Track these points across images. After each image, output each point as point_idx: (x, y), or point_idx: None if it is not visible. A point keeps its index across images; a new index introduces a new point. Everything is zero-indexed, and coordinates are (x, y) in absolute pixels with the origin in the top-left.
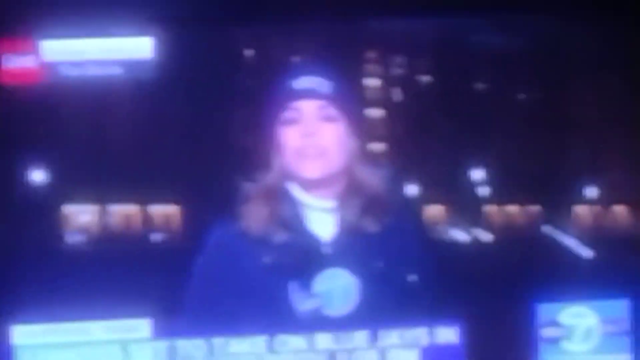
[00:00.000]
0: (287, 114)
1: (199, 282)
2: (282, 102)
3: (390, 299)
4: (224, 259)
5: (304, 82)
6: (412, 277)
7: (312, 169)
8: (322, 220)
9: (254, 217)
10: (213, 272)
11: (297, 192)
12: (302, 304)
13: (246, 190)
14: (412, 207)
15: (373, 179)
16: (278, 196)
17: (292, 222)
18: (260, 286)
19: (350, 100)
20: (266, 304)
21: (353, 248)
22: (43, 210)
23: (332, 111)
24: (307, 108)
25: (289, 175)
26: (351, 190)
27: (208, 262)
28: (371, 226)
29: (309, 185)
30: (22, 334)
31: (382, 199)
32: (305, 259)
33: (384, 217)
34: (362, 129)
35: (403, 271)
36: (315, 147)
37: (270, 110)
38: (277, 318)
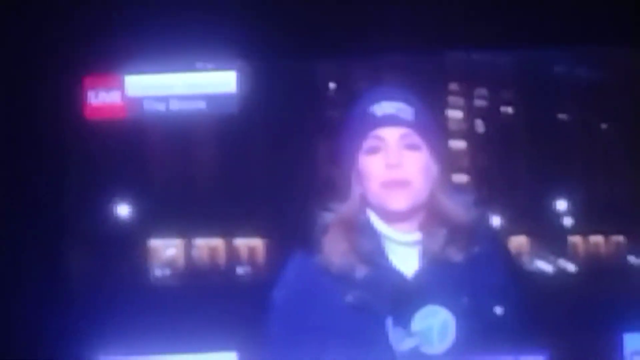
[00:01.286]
0: (369, 143)
1: (280, 315)
2: (364, 130)
3: (479, 332)
4: (303, 292)
5: (385, 108)
6: (499, 309)
7: (397, 201)
8: (405, 254)
9: (333, 249)
10: (294, 306)
11: (378, 224)
12: (400, 343)
13: (325, 221)
14: (496, 236)
15: (456, 209)
16: (358, 228)
17: (374, 256)
18: (348, 322)
19: (433, 126)
20: (358, 340)
21: (439, 281)
22: (129, 244)
23: (416, 139)
24: (390, 136)
25: (371, 205)
26: (434, 221)
27: (287, 295)
28: (455, 257)
29: (392, 217)
30: None
31: (466, 228)
32: (392, 294)
33: (468, 247)
34: (446, 157)
35: (490, 303)
36: (400, 178)
37: (351, 138)
38: (372, 352)
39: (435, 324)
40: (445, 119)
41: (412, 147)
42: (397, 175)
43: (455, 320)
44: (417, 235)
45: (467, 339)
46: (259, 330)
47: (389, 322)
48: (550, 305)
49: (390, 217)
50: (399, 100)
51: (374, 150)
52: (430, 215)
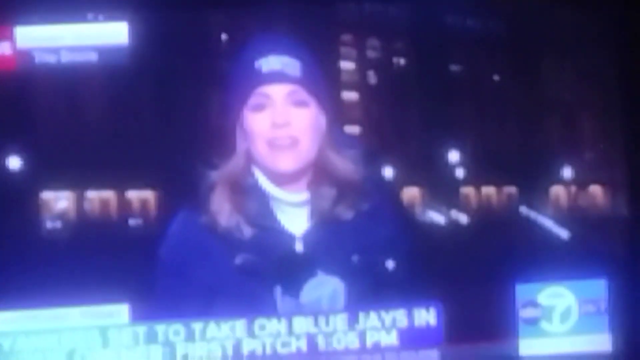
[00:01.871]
0: (255, 99)
1: (169, 270)
2: (250, 86)
3: (373, 289)
4: (190, 249)
5: (271, 63)
6: (390, 262)
7: (285, 162)
8: (294, 214)
9: (219, 209)
10: (180, 262)
11: (265, 184)
12: (287, 313)
13: (210, 177)
14: (386, 191)
15: (345, 164)
16: (244, 187)
17: (262, 217)
18: (237, 285)
19: (321, 81)
20: (246, 305)
21: (329, 241)
22: (19, 197)
23: (303, 95)
24: (277, 93)
25: (257, 164)
26: (323, 180)
27: (173, 251)
28: (345, 215)
29: (279, 177)
30: (0, 321)
31: (355, 185)
32: (282, 258)
33: (358, 204)
34: (334, 112)
35: (381, 257)
36: (288, 138)
37: (236, 93)
38: (255, 313)
39: (325, 294)
40: (336, 71)
41: (300, 103)
42: (284, 133)
43: (344, 287)
44: (305, 195)
45: (358, 300)
46: (151, 282)
47: (278, 290)
48: (442, 257)
49: (278, 177)
50: (286, 54)
51: (259, 108)
52: (318, 173)
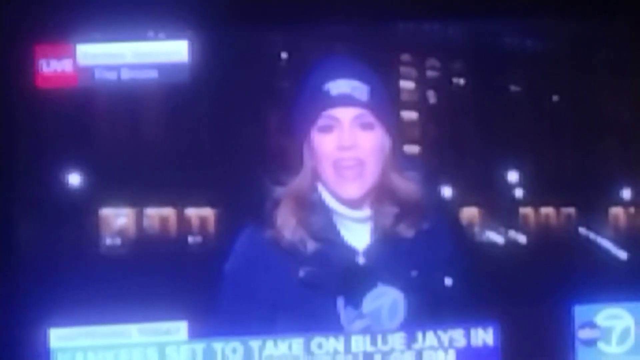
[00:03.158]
0: (323, 121)
1: (231, 286)
2: (318, 108)
3: (431, 305)
4: (255, 265)
5: (340, 86)
6: (448, 279)
7: (350, 190)
8: (356, 229)
9: (284, 223)
10: (244, 278)
11: (329, 200)
12: (351, 324)
13: (277, 194)
14: (446, 210)
15: (407, 184)
16: (309, 203)
17: (325, 232)
18: (299, 297)
19: (387, 105)
20: (309, 317)
21: (389, 257)
22: (80, 213)
23: (370, 118)
24: (345, 116)
25: (322, 182)
26: (385, 198)
27: (238, 267)
28: (406, 233)
29: (345, 201)
30: (59, 337)
31: (416, 205)
32: (344, 271)
33: (418, 222)
34: (398, 134)
35: (440, 275)
36: (353, 160)
37: (305, 114)
38: (323, 330)
39: (385, 304)
40: (396, 91)
41: (366, 126)
42: (350, 155)
43: (404, 299)
44: (368, 212)
45: (417, 314)
46: (210, 300)
47: (341, 302)
48: (500, 276)
49: (343, 200)
50: (354, 78)
51: (327, 129)
52: (381, 192)
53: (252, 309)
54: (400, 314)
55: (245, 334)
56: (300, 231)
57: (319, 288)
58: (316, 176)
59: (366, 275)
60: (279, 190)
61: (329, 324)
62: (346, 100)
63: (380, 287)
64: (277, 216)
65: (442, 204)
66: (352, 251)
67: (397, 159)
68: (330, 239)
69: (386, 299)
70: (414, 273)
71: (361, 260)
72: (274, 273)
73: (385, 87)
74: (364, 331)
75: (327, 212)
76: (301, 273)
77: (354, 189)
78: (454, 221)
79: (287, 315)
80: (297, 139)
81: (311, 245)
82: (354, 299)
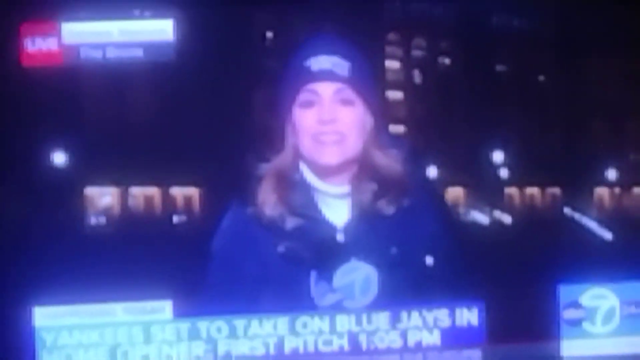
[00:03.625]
0: (304, 96)
1: (217, 264)
2: (299, 83)
3: (411, 283)
4: (239, 242)
5: (321, 62)
6: (432, 260)
7: (329, 156)
8: (336, 206)
9: (265, 200)
10: (229, 255)
11: (310, 177)
12: (322, 298)
13: (259, 171)
14: (431, 189)
15: (388, 161)
16: (290, 180)
17: (305, 208)
18: (277, 272)
19: (368, 82)
20: (284, 291)
21: (368, 233)
22: (64, 192)
23: (350, 94)
24: (325, 91)
25: (303, 158)
26: (365, 175)
27: (224, 245)
28: (386, 210)
29: (323, 171)
30: (44, 316)
31: (397, 181)
32: (321, 247)
33: (399, 200)
34: (380, 112)
35: (421, 254)
36: (333, 133)
37: (286, 90)
38: (296, 305)
39: (358, 279)
40: (382, 70)
41: (347, 102)
42: (330, 130)
43: (378, 275)
44: (347, 188)
45: (392, 292)
46: (194, 279)
47: (313, 276)
48: (485, 256)
49: (322, 170)
50: (335, 54)
51: (308, 104)
52: (361, 168)
53: (236, 285)
54: (373, 290)
55: (229, 313)
56: (280, 207)
57: (297, 263)
58: (297, 153)
59: (341, 251)
60: (261, 168)
61: (302, 298)
62: (326, 75)
63: (353, 262)
64: (259, 193)
65: (425, 182)
66: (331, 227)
67: (379, 137)
68: (310, 215)
69: (358, 274)
70: (393, 250)
71: (340, 236)
72: (256, 249)
73: (368, 65)
74: (335, 306)
75: (307, 189)
76: (281, 248)
77: (332, 155)
78: (438, 200)
79: (267, 290)
80: (280, 117)
81: (291, 221)
82: (326, 273)
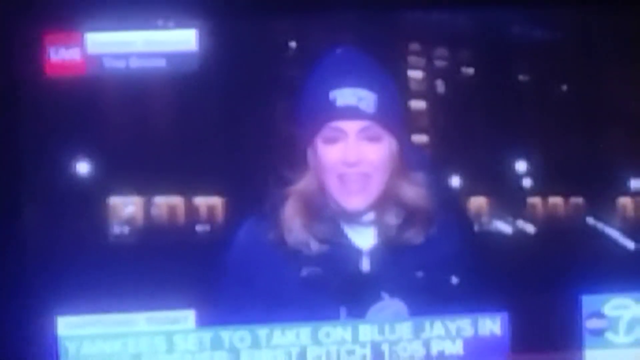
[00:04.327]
0: (328, 132)
1: (235, 278)
2: (323, 119)
3: (437, 298)
4: (258, 259)
5: (346, 97)
6: (456, 273)
7: (355, 202)
8: (361, 231)
9: (290, 223)
10: (248, 272)
11: (335, 205)
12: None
13: (282, 191)
14: (454, 203)
15: (413, 190)
16: (314, 204)
17: (330, 233)
18: (302, 300)
19: (395, 114)
20: (305, 319)
21: (394, 257)
22: (88, 202)
23: (377, 130)
24: (351, 129)
25: (328, 194)
26: (389, 204)
27: (242, 261)
28: (414, 238)
29: (347, 211)
30: (67, 325)
31: (423, 209)
32: (347, 274)
33: (427, 228)
34: (407, 141)
35: (447, 273)
36: (359, 174)
37: (309, 123)
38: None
39: (389, 315)
40: (404, 81)
41: (373, 139)
42: (356, 170)
43: (407, 306)
44: (372, 216)
45: (421, 314)
46: (217, 288)
47: (343, 312)
48: (508, 266)
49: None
50: (360, 86)
51: (332, 140)
52: (386, 198)
53: (255, 301)
54: (405, 319)
55: (252, 322)
56: (304, 232)
57: (321, 289)
58: (320, 182)
59: (370, 284)
60: (284, 188)
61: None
62: (352, 113)
63: (385, 301)
64: (283, 216)
65: (449, 196)
66: (356, 252)
67: (404, 165)
68: (334, 240)
69: (390, 312)
70: (419, 274)
71: (365, 262)
72: (277, 271)
73: (393, 93)
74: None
75: (332, 214)
76: (304, 272)
77: (358, 202)
78: (462, 212)
79: (289, 312)
80: (302, 144)
81: (315, 246)
82: (358, 310)
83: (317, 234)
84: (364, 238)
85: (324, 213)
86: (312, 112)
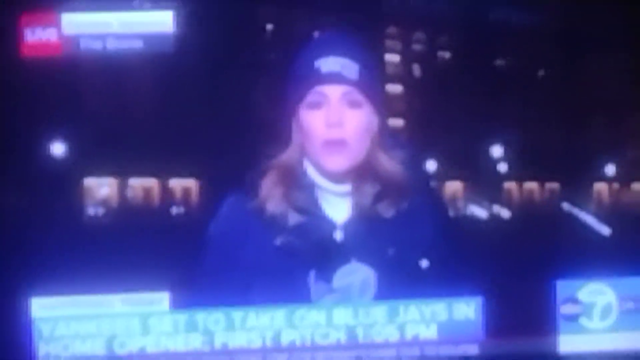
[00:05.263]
0: (311, 97)
1: (214, 255)
2: (307, 84)
3: (408, 280)
4: (236, 233)
5: (330, 64)
6: (430, 257)
7: (336, 162)
8: (336, 203)
9: (268, 195)
10: (225, 245)
11: (313, 174)
12: (320, 297)
13: (263, 165)
14: (430, 185)
15: (391, 163)
16: (294, 175)
17: (307, 204)
18: (275, 267)
19: (376, 84)
20: (282, 287)
21: (367, 233)
22: (63, 183)
23: (358, 96)
24: (333, 93)
25: (309, 158)
26: (367, 175)
27: (222, 236)
28: (386, 212)
29: (328, 173)
30: (41, 307)
31: (399, 183)
32: (319, 244)
33: (399, 202)
34: (386, 113)
35: (420, 253)
36: (340, 137)
37: (293, 90)
38: (293, 300)
39: (356, 280)
40: (381, 64)
41: (354, 104)
42: (337, 134)
43: (376, 277)
44: (349, 187)
45: (390, 293)
46: (192, 271)
47: (312, 275)
48: (483, 251)
49: (327, 172)
50: (345, 56)
51: (315, 106)
52: (364, 168)
53: (231, 277)
54: (371, 291)
55: (227, 305)
56: (283, 203)
57: (294, 259)
58: (303, 151)
59: (341, 251)
60: (265, 162)
61: (300, 296)
62: (335, 78)
63: (353, 264)
64: (262, 187)
65: (425, 179)
66: (330, 224)
67: (384, 138)
68: (310, 212)
69: (357, 276)
70: (390, 251)
71: (339, 234)
72: (254, 242)
73: (375, 66)
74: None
75: (310, 185)
76: (278, 241)
77: (339, 162)
78: (438, 196)
79: (263, 284)
80: (286, 114)
81: (292, 217)
82: (326, 273)
83: (295, 204)
84: (339, 211)
85: (302, 183)
86: (297, 79)
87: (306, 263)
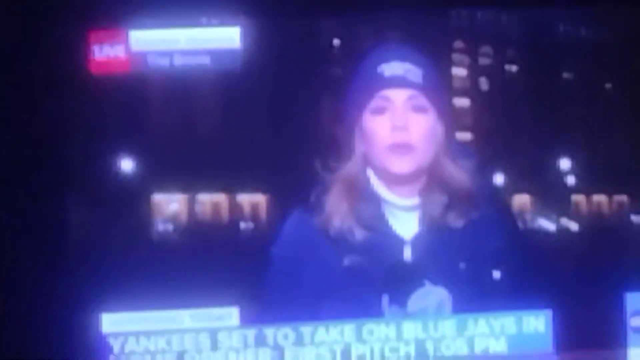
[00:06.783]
0: (375, 103)
1: (281, 272)
2: (371, 89)
3: (480, 295)
4: (302, 252)
5: (393, 68)
6: (499, 269)
7: (401, 165)
8: (404, 218)
9: (333, 211)
10: (294, 263)
11: (379, 187)
12: (394, 319)
13: (326, 180)
14: (498, 198)
15: (458, 172)
16: (358, 190)
17: (374, 220)
18: (345, 289)
19: (440, 90)
20: (353, 308)
21: (437, 248)
22: (132, 199)
23: (423, 101)
24: (397, 97)
25: (373, 166)
26: (434, 186)
27: (287, 253)
28: (454, 223)
29: (393, 180)
30: (111, 322)
31: (467, 193)
32: (390, 266)
33: (468, 212)
34: (451, 120)
35: (490, 266)
36: (406, 141)
37: (357, 96)
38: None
39: (431, 304)
40: (449, 78)
41: (419, 109)
42: (403, 138)
43: (451, 298)
44: (416, 200)
45: (462, 308)
46: (261, 286)
47: (385, 300)
48: (552, 264)
49: (392, 180)
50: (408, 61)
51: (380, 111)
52: (431, 179)
53: (299, 294)
54: (447, 312)
55: (295, 320)
56: (349, 219)
57: (364, 278)
58: (367, 161)
59: (412, 272)
60: (329, 177)
61: (373, 317)
62: (399, 82)
63: (427, 287)
64: (327, 203)
65: (493, 192)
66: (399, 241)
67: (450, 147)
68: (378, 228)
69: (432, 299)
70: (462, 265)
71: (407, 251)
72: (321, 260)
73: (439, 72)
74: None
75: (376, 200)
76: (347, 261)
77: (404, 164)
78: (506, 209)
79: (332, 303)
80: (349, 123)
81: (359, 234)
82: (400, 298)
83: (361, 220)
84: (406, 226)
85: (367, 198)
86: (361, 85)
87: (378, 286)
